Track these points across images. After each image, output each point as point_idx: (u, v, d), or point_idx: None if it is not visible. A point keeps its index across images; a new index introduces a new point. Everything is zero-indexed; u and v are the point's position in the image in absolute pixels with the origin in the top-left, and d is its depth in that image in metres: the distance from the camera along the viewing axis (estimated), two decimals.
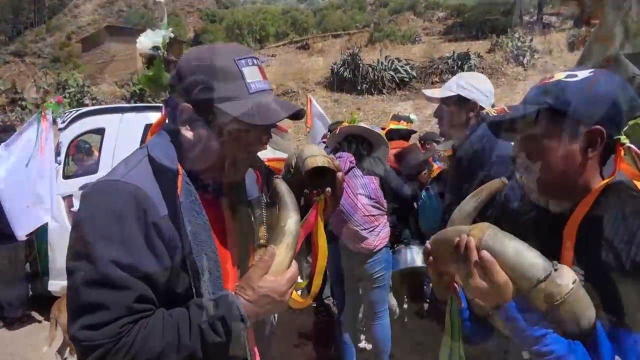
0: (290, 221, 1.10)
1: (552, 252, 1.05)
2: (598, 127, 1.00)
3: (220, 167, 1.13)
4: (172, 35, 1.22)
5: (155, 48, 1.22)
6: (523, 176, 1.11)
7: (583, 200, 1.02)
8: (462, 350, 1.13)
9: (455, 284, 1.11)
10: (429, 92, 2.20)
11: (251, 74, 1.10)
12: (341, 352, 3.13)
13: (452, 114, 2.06)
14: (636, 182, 1.02)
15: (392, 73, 16.42)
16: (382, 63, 16.69)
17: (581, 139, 1.02)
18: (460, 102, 2.04)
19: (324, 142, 4.03)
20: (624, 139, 1.00)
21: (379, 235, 2.86)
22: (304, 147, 1.27)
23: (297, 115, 1.12)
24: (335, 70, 17.19)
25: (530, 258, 0.92)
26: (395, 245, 3.24)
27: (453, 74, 17.21)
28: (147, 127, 4.43)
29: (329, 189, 1.19)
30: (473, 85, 2.03)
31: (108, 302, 0.94)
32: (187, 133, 1.10)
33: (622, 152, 1.01)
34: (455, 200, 2.52)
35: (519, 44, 17.09)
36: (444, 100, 2.09)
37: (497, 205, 1.25)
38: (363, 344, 3.58)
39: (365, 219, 2.82)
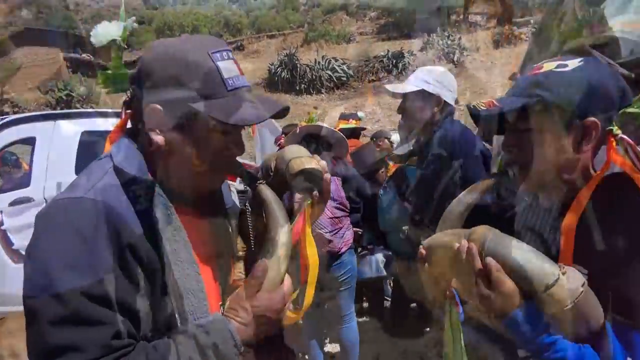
0: (281, 231, 1.00)
1: (548, 251, 1.02)
2: (592, 119, 0.98)
3: (196, 175, 1.01)
4: (135, 25, 1.08)
5: (113, 42, 1.07)
6: (515, 172, 1.07)
7: (579, 194, 1.00)
8: (465, 357, 1.08)
9: (452, 289, 1.05)
10: (391, 87, 2.16)
11: (227, 69, 0.99)
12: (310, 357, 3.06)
13: (416, 110, 2.03)
14: (628, 173, 1.00)
15: (329, 73, 16.53)
16: (319, 63, 16.75)
17: (575, 131, 0.99)
18: (424, 97, 2.02)
19: (278, 146, 3.92)
20: (616, 129, 0.99)
21: (343, 237, 2.81)
22: (287, 147, 1.17)
23: (282, 113, 1.03)
24: (273, 70, 17.03)
25: (537, 263, 0.88)
26: (359, 250, 3.19)
27: (389, 72, 17.73)
28: (85, 134, 4.15)
29: (316, 192, 1.10)
30: (437, 79, 2.02)
31: (80, 342, 0.80)
32: (157, 138, 0.98)
33: (614, 143, 1.00)
34: (425, 200, 2.51)
35: (449, 42, 17.75)
36: (408, 96, 2.06)
37: (488, 204, 1.22)
38: (328, 348, 3.51)
39: (330, 221, 2.75)
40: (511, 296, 0.88)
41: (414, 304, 3.89)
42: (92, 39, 1.05)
